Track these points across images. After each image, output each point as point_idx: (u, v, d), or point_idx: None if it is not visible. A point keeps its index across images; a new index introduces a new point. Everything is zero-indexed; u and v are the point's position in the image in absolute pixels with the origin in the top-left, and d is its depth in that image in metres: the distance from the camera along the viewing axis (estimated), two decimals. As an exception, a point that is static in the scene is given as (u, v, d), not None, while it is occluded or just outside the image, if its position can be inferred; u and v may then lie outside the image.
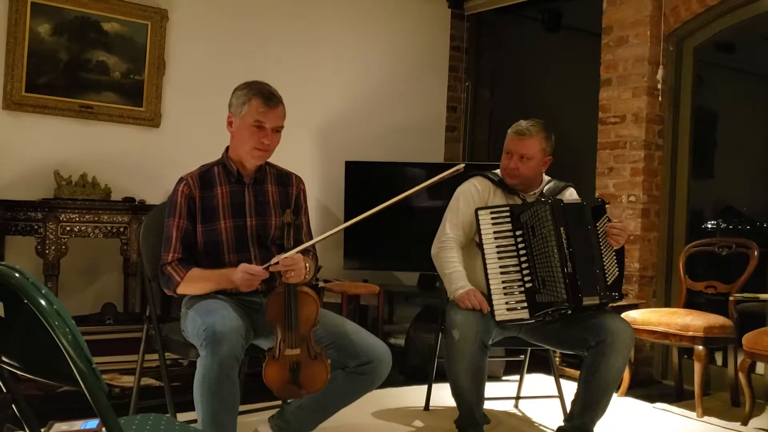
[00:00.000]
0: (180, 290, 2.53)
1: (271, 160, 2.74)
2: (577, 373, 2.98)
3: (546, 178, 3.19)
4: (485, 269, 2.89)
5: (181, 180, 2.61)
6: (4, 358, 1.36)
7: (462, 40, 5.99)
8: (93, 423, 1.59)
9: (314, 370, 2.39)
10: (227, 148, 2.68)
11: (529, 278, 2.87)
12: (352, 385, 2.52)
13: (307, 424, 2.53)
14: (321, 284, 4.55)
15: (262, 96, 2.55)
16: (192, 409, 2.79)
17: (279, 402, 3.09)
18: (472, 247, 3.07)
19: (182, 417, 2.78)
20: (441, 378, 3.19)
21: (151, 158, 4.58)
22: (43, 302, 1.16)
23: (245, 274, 2.44)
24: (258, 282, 2.47)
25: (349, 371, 2.50)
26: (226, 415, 2.32)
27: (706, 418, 3.63)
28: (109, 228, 4.07)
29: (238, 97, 2.58)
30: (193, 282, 2.52)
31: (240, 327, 2.34)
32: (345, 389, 2.53)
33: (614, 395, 2.94)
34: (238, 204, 2.61)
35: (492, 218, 2.93)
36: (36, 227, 3.92)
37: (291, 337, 2.38)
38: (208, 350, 2.26)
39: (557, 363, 4.02)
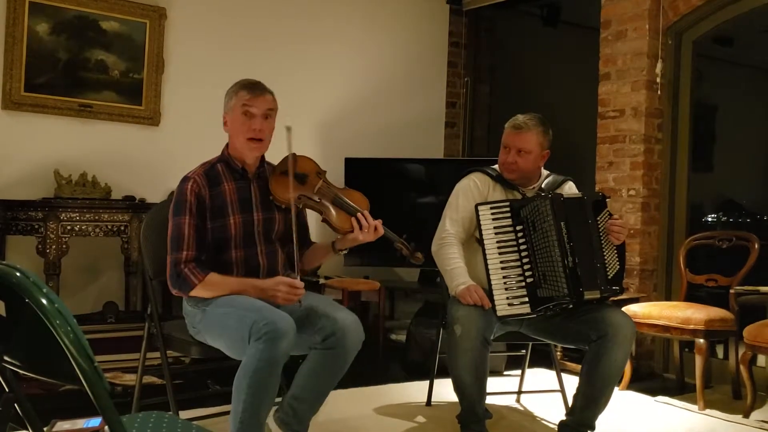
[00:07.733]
0: (194, 293, 2.50)
1: (270, 156, 2.74)
2: (578, 367, 2.98)
3: (545, 172, 3.19)
4: (486, 265, 2.88)
5: (187, 179, 2.58)
6: (6, 358, 1.36)
7: (461, 36, 5.99)
8: (95, 421, 1.59)
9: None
10: (227, 146, 2.68)
11: (530, 273, 2.87)
12: (325, 363, 2.48)
13: (305, 413, 2.51)
14: (322, 281, 4.55)
15: (247, 86, 2.62)
16: (193, 406, 2.80)
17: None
18: (472, 243, 3.07)
19: (184, 414, 2.78)
20: (443, 373, 3.20)
21: (151, 157, 4.58)
22: (44, 301, 1.16)
23: (287, 287, 2.44)
24: (299, 297, 2.47)
25: (319, 349, 2.48)
26: (265, 409, 2.34)
27: (707, 411, 3.64)
28: (109, 227, 4.08)
29: (227, 95, 2.66)
30: (211, 287, 2.49)
31: (295, 328, 2.34)
32: (322, 369, 2.49)
33: (616, 389, 2.94)
34: (245, 199, 2.62)
35: (492, 213, 2.93)
36: (36, 227, 3.92)
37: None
38: (267, 344, 2.25)
39: (559, 357, 4.03)
